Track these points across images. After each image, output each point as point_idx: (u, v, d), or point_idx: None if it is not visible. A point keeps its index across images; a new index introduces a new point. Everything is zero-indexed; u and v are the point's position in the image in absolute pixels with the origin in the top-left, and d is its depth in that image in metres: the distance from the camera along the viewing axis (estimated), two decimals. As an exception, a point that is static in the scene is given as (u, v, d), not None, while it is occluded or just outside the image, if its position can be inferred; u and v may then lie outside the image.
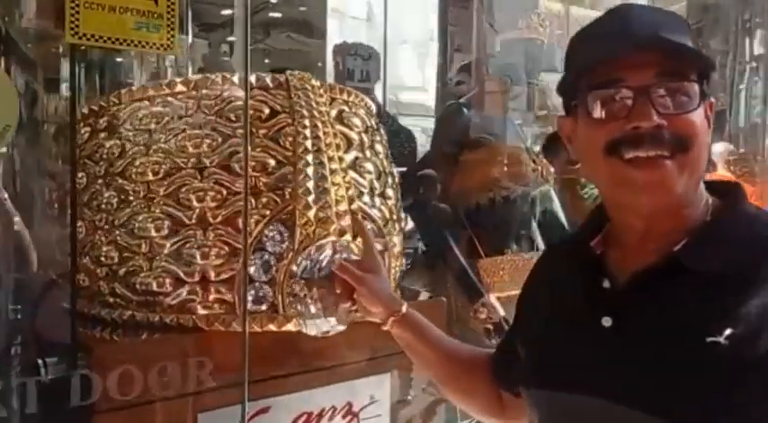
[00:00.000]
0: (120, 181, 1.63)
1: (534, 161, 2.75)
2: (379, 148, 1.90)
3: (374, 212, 1.78)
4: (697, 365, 0.85)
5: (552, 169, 2.86)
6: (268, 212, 1.60)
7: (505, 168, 2.60)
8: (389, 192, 1.89)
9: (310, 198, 1.60)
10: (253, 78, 1.69)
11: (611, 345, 0.93)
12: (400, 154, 2.25)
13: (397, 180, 1.99)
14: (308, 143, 1.64)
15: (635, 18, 0.94)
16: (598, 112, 0.92)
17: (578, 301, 1.00)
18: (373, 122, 1.93)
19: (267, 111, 1.67)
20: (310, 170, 1.62)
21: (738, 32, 5.37)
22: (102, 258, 1.64)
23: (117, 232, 1.62)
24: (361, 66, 3.53)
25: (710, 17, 5.48)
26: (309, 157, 1.63)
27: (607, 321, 0.93)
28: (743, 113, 5.51)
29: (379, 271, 1.30)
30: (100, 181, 1.66)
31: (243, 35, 1.44)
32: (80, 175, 1.69)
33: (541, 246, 2.62)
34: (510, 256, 2.44)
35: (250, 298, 1.58)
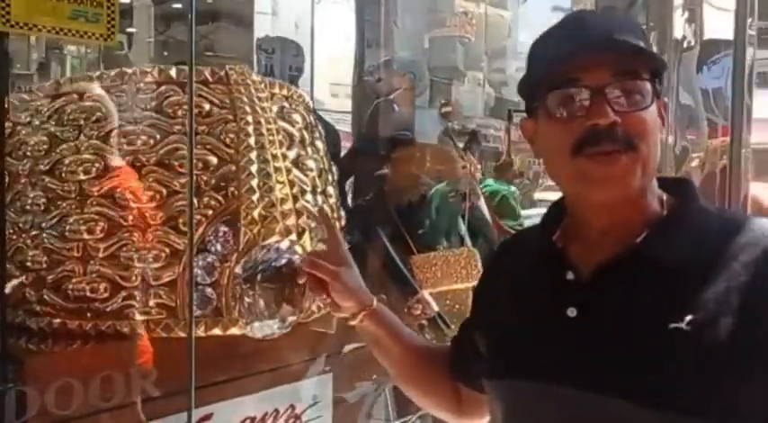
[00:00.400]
0: (48, 180, 1.52)
1: (463, 158, 2.80)
2: (318, 144, 1.87)
3: (317, 211, 1.75)
4: (661, 351, 0.88)
5: (479, 166, 2.92)
6: (211, 212, 1.54)
7: (438, 166, 2.62)
8: (330, 189, 1.87)
9: (255, 197, 1.56)
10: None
11: (577, 335, 0.95)
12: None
13: (336, 177, 1.96)
14: (251, 140, 1.59)
15: (591, 22, 0.99)
16: (558, 112, 0.96)
17: (542, 293, 1.02)
18: (312, 119, 1.89)
19: (207, 106, 1.61)
20: (254, 168, 1.57)
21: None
22: (29, 264, 1.52)
23: (45, 235, 1.51)
24: (263, 60, 3.45)
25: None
26: (253, 155, 1.58)
27: (572, 312, 0.96)
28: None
29: (350, 263, 1.23)
30: (24, 180, 1.54)
31: (188, 27, 1.38)
32: (1, 173, 1.56)
33: (469, 242, 2.67)
34: (442, 252, 2.46)
35: (194, 301, 1.51)
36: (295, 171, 1.69)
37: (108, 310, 1.50)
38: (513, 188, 4.75)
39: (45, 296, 1.52)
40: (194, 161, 1.55)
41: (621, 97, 0.94)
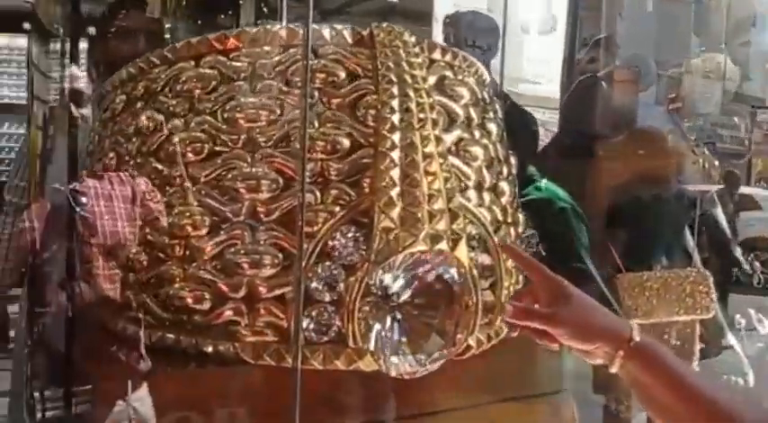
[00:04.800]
0: (155, 162, 1.28)
1: (694, 152, 2.19)
2: (491, 127, 1.44)
3: (482, 213, 1.33)
4: None
5: (716, 163, 2.28)
6: (338, 209, 1.19)
7: (659, 160, 2.06)
8: (504, 186, 1.44)
9: (394, 192, 1.18)
10: (327, 32, 1.29)
11: None
12: (517, 142, 1.76)
13: (514, 171, 1.53)
14: (396, 118, 1.21)
15: None
16: None
17: None
18: (486, 94, 1.47)
19: (343, 74, 1.26)
20: (396, 154, 1.19)
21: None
22: (131, 261, 1.29)
23: (147, 228, 1.27)
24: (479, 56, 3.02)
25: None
26: (396, 137, 1.20)
27: None
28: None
29: (565, 294, 0.88)
30: (131, 162, 1.31)
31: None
32: (110, 155, 1.35)
33: (698, 261, 2.06)
34: (659, 272, 1.91)
35: (309, 323, 1.17)
36: (453, 159, 1.29)
37: (212, 325, 1.22)
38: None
39: (146, 301, 1.27)
40: (321, 143, 1.21)
41: None
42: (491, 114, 1.46)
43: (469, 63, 1.45)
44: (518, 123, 2.15)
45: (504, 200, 1.42)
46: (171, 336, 1.23)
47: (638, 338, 0.83)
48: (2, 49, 5.82)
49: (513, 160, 1.52)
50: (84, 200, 1.38)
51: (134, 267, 1.28)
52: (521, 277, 1.46)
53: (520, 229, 1.48)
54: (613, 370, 0.85)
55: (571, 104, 2.42)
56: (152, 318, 1.26)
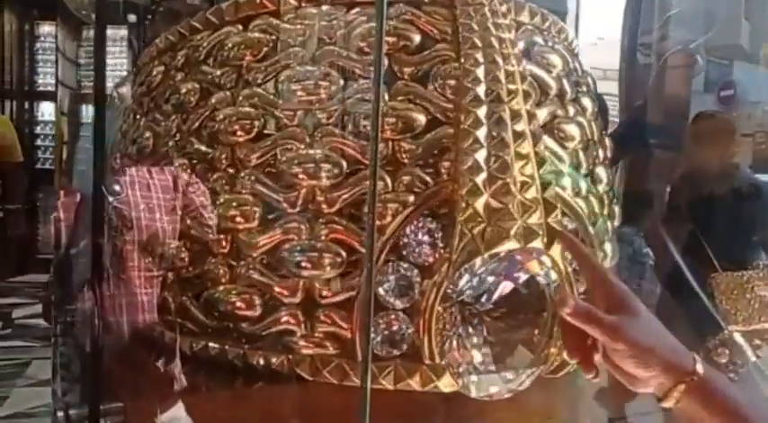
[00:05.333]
0: (197, 143, 1.10)
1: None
2: (586, 102, 1.23)
3: (578, 204, 1.13)
4: None
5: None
6: (411, 199, 1.00)
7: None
8: (600, 172, 1.23)
9: (480, 178, 0.98)
10: (396, -12, 1.09)
11: None
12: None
13: (609, 154, 1.32)
14: (481, 89, 1.02)
15: None
16: None
17: None
18: (578, 65, 1.26)
19: (417, 38, 1.07)
20: (482, 132, 1.00)
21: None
22: (170, 258, 1.12)
23: (188, 221, 1.10)
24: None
25: None
26: (482, 112, 1.01)
27: None
28: None
29: (633, 308, 0.74)
30: (170, 143, 1.14)
31: None
32: (146, 134, 1.18)
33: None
34: (761, 270, 1.68)
35: (377, 335, 0.99)
36: (547, 140, 1.08)
37: (262, 334, 1.04)
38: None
39: (187, 305, 1.10)
40: (392, 120, 1.02)
41: None
42: (584, 88, 1.25)
43: (560, 28, 1.24)
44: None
45: (600, 188, 1.21)
46: (215, 345, 1.06)
47: (701, 372, 0.72)
48: (45, 38, 5.74)
49: (607, 142, 1.31)
50: (117, 189, 1.21)
51: (173, 265, 1.11)
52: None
53: (616, 224, 1.28)
54: (667, 404, 0.74)
55: (661, 80, 2.18)
56: (193, 324, 1.09)
